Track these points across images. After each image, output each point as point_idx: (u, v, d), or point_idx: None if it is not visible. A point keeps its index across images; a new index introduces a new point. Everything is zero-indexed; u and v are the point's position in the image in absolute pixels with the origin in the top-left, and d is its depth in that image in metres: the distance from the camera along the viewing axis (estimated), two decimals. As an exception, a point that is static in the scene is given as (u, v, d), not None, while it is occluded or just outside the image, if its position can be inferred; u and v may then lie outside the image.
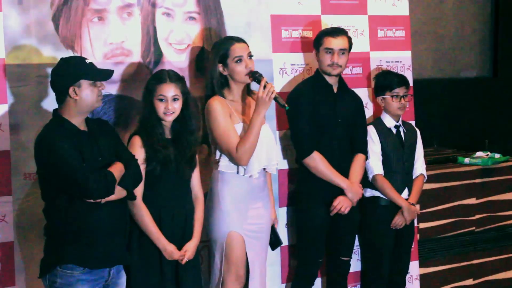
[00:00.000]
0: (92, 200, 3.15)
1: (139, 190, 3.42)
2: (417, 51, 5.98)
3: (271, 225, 3.95)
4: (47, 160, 3.14)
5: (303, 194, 4.22)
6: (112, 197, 3.20)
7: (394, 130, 4.42)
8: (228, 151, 3.67)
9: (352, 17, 4.61)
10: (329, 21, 4.49)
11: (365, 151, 4.28)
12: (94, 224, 3.20)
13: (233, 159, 3.67)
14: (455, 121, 6.93)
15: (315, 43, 4.20)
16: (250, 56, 3.75)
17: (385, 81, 4.41)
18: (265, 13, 4.32)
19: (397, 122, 4.42)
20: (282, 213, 4.38)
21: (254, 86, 3.80)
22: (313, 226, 4.16)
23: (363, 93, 4.59)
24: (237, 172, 3.73)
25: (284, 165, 4.37)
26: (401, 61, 4.83)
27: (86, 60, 3.26)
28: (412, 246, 4.64)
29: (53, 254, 3.22)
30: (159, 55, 3.99)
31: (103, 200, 3.18)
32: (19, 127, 3.61)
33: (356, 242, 4.46)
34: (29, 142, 3.45)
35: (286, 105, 3.67)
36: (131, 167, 3.30)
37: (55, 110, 3.27)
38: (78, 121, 3.24)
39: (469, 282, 5.27)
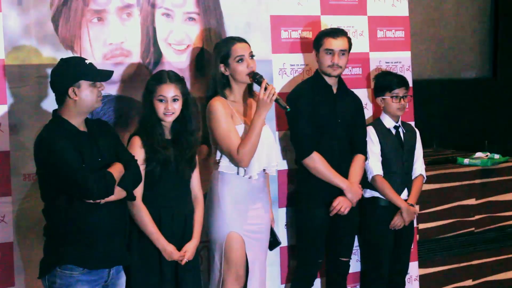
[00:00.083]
0: (91, 201, 3.15)
1: (138, 191, 3.41)
2: (417, 52, 5.99)
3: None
4: (47, 161, 3.14)
5: (303, 195, 4.22)
6: (111, 198, 3.20)
7: (393, 131, 4.42)
8: (229, 152, 3.67)
9: (351, 17, 4.61)
10: (328, 22, 4.49)
11: (364, 152, 4.28)
12: (94, 225, 3.20)
13: (234, 160, 3.67)
14: (455, 122, 6.93)
15: (315, 43, 4.20)
16: (251, 56, 3.75)
17: (385, 82, 4.41)
18: (264, 13, 4.32)
19: (397, 122, 4.42)
20: (281, 214, 4.38)
21: (255, 87, 3.80)
22: (312, 227, 4.16)
23: (363, 94, 4.59)
24: (237, 173, 3.73)
25: (283, 165, 4.37)
26: (400, 61, 4.83)
27: (86, 61, 3.26)
28: (412, 247, 4.64)
29: (52, 254, 3.22)
30: (158, 55, 3.99)
31: (103, 201, 3.18)
32: (19, 127, 3.61)
33: (356, 243, 4.46)
34: (29, 143, 3.45)
35: (287, 106, 3.67)
36: (131, 168, 3.30)
37: (54, 111, 3.27)
38: (77, 122, 3.24)
39: (469, 282, 5.27)
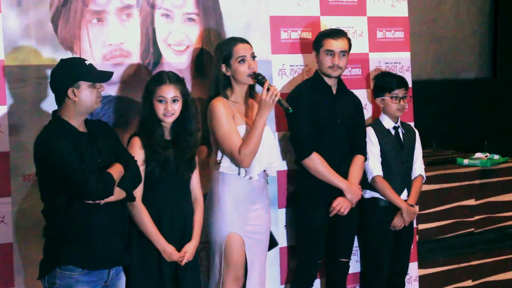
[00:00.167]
0: (91, 201, 3.15)
1: (138, 191, 3.42)
2: (416, 52, 5.98)
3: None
4: (47, 161, 3.14)
5: (302, 195, 4.22)
6: (111, 198, 3.20)
7: (393, 131, 4.42)
8: (230, 153, 3.67)
9: (351, 18, 4.61)
10: (328, 22, 4.49)
11: (364, 152, 4.28)
12: (93, 225, 3.20)
13: (235, 161, 3.68)
14: (454, 122, 6.93)
15: (315, 44, 4.20)
16: (253, 56, 3.75)
17: (384, 82, 4.41)
18: (264, 14, 4.32)
19: (396, 123, 4.42)
20: (281, 214, 4.38)
21: (257, 88, 3.80)
22: (312, 227, 4.16)
23: (362, 94, 4.59)
24: (238, 174, 3.73)
25: (283, 166, 4.37)
26: (400, 62, 4.83)
27: (86, 62, 3.26)
28: (411, 247, 4.64)
29: (52, 255, 3.22)
30: (158, 56, 3.99)
31: (102, 201, 3.18)
32: (19, 128, 3.62)
33: (356, 243, 4.46)
34: (29, 143, 3.44)
35: (289, 107, 3.67)
36: (131, 168, 3.30)
37: (54, 112, 3.27)
38: (77, 123, 3.24)
39: (468, 283, 5.27)
